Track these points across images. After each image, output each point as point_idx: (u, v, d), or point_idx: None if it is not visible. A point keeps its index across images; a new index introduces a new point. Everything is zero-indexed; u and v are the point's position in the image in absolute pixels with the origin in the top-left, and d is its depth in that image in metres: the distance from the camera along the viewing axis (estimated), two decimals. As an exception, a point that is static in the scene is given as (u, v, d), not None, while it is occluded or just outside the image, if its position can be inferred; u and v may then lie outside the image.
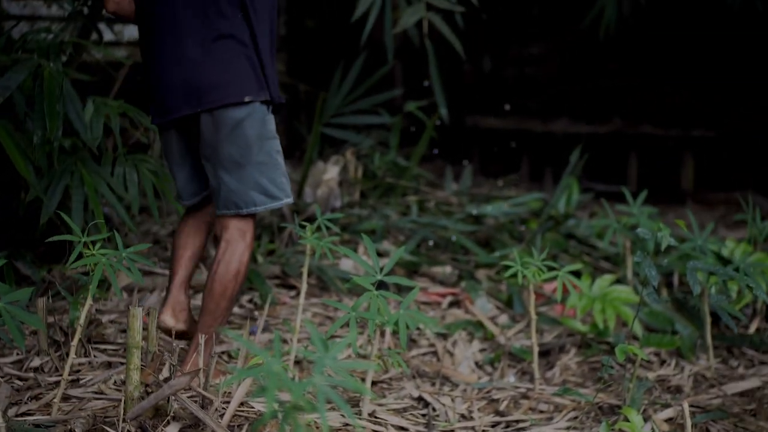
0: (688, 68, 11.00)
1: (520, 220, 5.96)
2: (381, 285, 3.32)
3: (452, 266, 5.31)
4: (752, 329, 4.70)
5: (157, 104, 3.57)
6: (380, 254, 5.33)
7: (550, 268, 3.79)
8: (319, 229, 3.69)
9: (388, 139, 6.53)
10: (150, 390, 3.15)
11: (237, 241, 3.54)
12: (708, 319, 4.03)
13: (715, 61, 10.76)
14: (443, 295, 4.90)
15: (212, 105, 3.44)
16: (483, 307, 4.73)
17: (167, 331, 3.61)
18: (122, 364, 3.60)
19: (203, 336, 3.34)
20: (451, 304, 4.88)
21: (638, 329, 4.28)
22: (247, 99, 3.46)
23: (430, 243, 5.56)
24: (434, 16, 5.05)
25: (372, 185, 6.06)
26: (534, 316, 3.72)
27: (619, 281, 4.90)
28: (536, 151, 11.33)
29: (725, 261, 4.24)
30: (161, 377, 3.35)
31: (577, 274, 4.92)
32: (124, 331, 4.04)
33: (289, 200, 3.60)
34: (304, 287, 3.59)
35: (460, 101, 13.35)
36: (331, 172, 5.84)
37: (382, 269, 3.34)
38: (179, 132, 3.65)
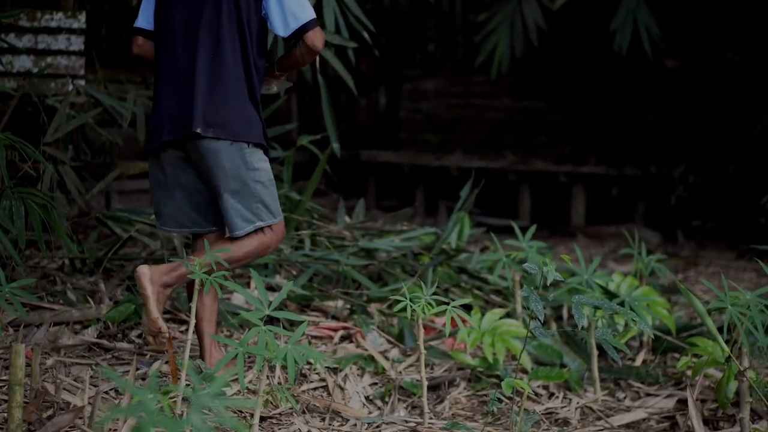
0: (579, 107, 11.21)
1: (413, 254, 5.98)
2: (272, 320, 3.31)
3: (344, 300, 5.31)
4: (638, 362, 4.78)
5: (155, 132, 3.99)
6: (272, 289, 5.31)
7: (440, 303, 3.81)
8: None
9: (282, 173, 6.51)
10: (33, 428, 3.08)
11: (245, 245, 3.96)
12: (595, 353, 4.09)
13: (607, 99, 10.98)
14: (335, 330, 4.89)
15: (205, 134, 3.86)
16: (374, 342, 4.73)
17: (139, 281, 3.83)
18: (5, 401, 3.52)
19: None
20: (343, 339, 4.87)
21: (527, 362, 4.33)
22: (222, 135, 3.88)
23: (322, 276, 5.55)
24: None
25: (265, 219, 6.03)
26: (423, 351, 3.73)
27: (509, 315, 4.95)
28: (431, 185, 11.43)
29: (611, 295, 4.32)
30: (44, 415, 3.29)
31: (467, 308, 4.96)
32: (7, 367, 3.95)
33: (279, 219, 4.03)
34: (192, 322, 3.57)
35: (355, 136, 13.40)
36: (223, 205, 5.80)
37: (270, 304, 3.33)
38: (175, 159, 4.02)
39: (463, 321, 3.85)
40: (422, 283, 4.64)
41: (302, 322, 3.38)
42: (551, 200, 11.18)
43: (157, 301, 3.85)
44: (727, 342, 3.85)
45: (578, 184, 10.35)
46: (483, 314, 4.61)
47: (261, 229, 3.99)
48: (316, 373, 4.32)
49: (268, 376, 3.95)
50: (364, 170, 12.31)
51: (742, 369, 3.67)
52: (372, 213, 10.49)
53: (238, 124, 3.92)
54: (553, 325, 5.00)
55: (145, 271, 3.84)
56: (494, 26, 8.41)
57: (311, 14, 3.99)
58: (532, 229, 4.85)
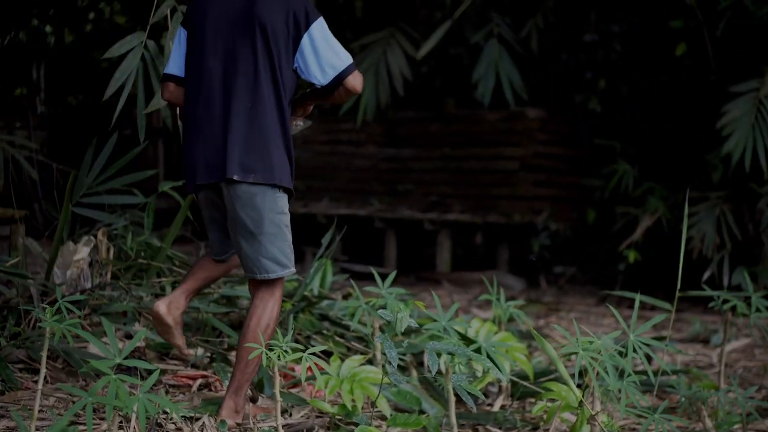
0: (445, 155, 11.35)
1: (275, 302, 5.94)
2: (127, 369, 3.25)
3: (204, 348, 5.25)
4: (497, 407, 4.83)
5: (189, 177, 4.21)
6: (131, 337, 5.22)
7: (297, 350, 3.79)
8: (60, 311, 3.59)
9: (143, 219, 6.43)
10: None
11: (266, 300, 4.16)
12: (452, 399, 4.11)
13: (472, 147, 11.14)
14: (193, 378, 4.84)
15: (242, 179, 4.06)
16: (234, 390, 4.67)
17: (156, 317, 4.24)
18: None
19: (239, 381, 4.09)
20: (202, 387, 4.81)
21: (386, 409, 4.33)
22: (258, 180, 4.06)
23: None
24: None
25: (124, 266, 5.94)
26: (279, 398, 3.71)
27: (369, 362, 4.95)
28: (298, 232, 11.41)
29: (469, 341, 4.35)
30: None
31: (329, 354, 4.94)
32: None
33: (292, 270, 4.22)
34: (42, 371, 3.49)
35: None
36: (81, 252, 5.69)
37: (122, 351, 3.27)
38: (208, 200, 4.27)
39: (319, 368, 3.83)
40: (283, 330, 4.62)
41: (154, 370, 3.33)
42: (417, 247, 11.28)
43: (177, 327, 4.38)
44: (580, 386, 3.91)
45: (444, 232, 10.46)
46: (343, 361, 4.60)
47: (276, 282, 4.22)
48: (173, 423, 4.25)
49: (122, 427, 3.87)
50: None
51: (593, 413, 3.73)
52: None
53: (274, 169, 4.09)
54: (414, 372, 5.02)
55: (162, 308, 4.32)
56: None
57: (348, 59, 4.14)
58: (392, 275, 4.87)
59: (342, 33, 13.63)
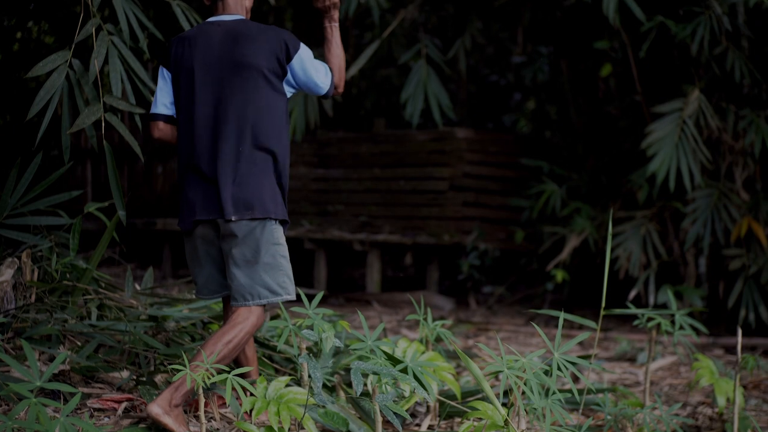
0: (375, 176, 11.37)
1: (202, 323, 5.91)
2: (51, 392, 3.20)
3: (130, 371, 5.19)
4: (424, 426, 4.83)
5: (186, 212, 4.42)
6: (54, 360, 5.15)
7: (222, 371, 3.77)
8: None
9: (68, 241, 6.36)
10: None
11: (241, 321, 4.31)
12: (379, 419, 4.10)
13: (401, 168, 11.17)
14: (118, 401, 4.77)
15: (228, 216, 4.28)
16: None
17: (157, 420, 4.05)
18: None
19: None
20: (127, 410, 4.75)
21: (313, 430, 4.31)
22: (258, 215, 4.30)
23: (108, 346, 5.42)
24: (112, 117, 4.99)
25: (49, 288, 5.86)
26: (204, 421, 3.68)
27: (298, 383, 4.93)
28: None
29: (396, 361, 4.35)
30: None
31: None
32: None
33: (290, 297, 4.43)
34: None
35: (153, 203, 13.23)
36: (4, 274, 5.61)
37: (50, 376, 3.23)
38: (205, 235, 4.45)
39: (243, 389, 3.81)
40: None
41: (85, 394, 3.28)
42: (347, 268, 11.28)
43: (178, 424, 4.05)
44: (506, 405, 3.93)
45: (373, 252, 10.46)
46: (270, 382, 4.58)
47: (256, 309, 4.40)
48: (97, 447, 4.19)
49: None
50: (161, 238, 12.15)
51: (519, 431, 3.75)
52: (168, 282, 10.34)
53: (267, 204, 4.34)
54: (342, 393, 5.01)
55: (158, 411, 4.04)
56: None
57: (328, 72, 4.53)
58: (319, 296, 4.85)
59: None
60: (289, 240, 10.85)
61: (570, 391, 4.56)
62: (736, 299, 8.65)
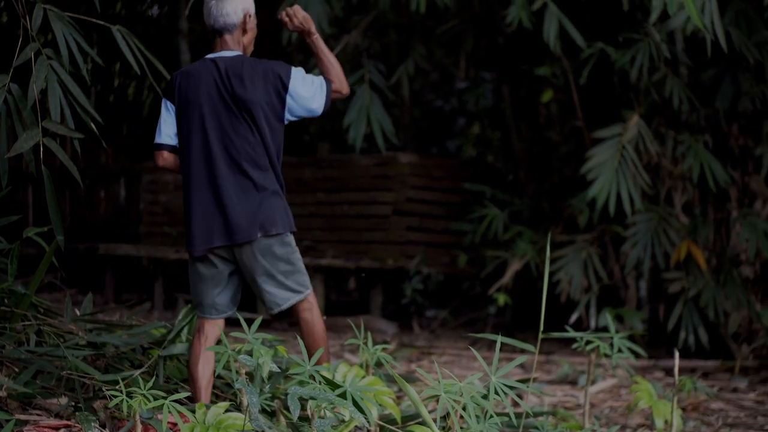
0: (318, 200, 11.38)
1: (142, 349, 5.87)
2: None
3: (68, 397, 5.14)
4: (365, 451, 4.83)
5: (199, 238, 4.79)
6: (-9, 386, 5.09)
7: (160, 397, 3.75)
8: None
9: (6, 265, 6.30)
10: None
11: (306, 317, 5.03)
12: (318, 444, 4.10)
13: (345, 191, 11.19)
14: (55, 428, 4.73)
15: (248, 238, 4.72)
16: (97, 439, 4.60)
17: None
18: None
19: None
20: (65, 437, 4.71)
21: (252, 455, 4.30)
22: (273, 232, 4.76)
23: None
24: (51, 142, 4.96)
25: (-14, 314, 5.80)
26: (141, 447, 3.66)
27: (238, 408, 4.91)
28: (170, 278, 11.30)
29: (335, 385, 4.35)
30: None
31: (194, 400, 4.88)
32: None
33: (309, 290, 4.99)
34: None
35: (97, 228, 13.13)
36: (-59, 300, 5.55)
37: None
38: (220, 259, 4.86)
39: (181, 415, 3.80)
40: (152, 377, 4.55)
41: (11, 420, 3.26)
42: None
43: None
44: (444, 429, 3.94)
45: (317, 276, 10.44)
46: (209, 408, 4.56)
47: (308, 299, 5.00)
48: (33, 474, 4.15)
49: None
50: (103, 263, 12.07)
51: (457, 455, 3.76)
52: (110, 307, 10.26)
53: (280, 218, 4.80)
54: (282, 418, 4.99)
55: None
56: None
57: (323, 84, 4.80)
58: (258, 320, 4.85)
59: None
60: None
61: (509, 414, 4.58)
62: (676, 322, 8.75)
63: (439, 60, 12.24)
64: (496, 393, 3.74)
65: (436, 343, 9.37)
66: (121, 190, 13.62)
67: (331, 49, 8.44)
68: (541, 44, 8.33)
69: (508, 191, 10.41)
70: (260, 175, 4.75)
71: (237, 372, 4.90)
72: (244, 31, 4.88)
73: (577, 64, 8.69)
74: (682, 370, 8.18)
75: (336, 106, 12.83)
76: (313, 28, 5.00)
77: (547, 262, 4.24)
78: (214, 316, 5.00)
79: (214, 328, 5.01)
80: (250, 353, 4.32)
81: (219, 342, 4.97)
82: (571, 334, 5.00)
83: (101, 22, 5.37)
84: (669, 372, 8.12)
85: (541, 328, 4.43)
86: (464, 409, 3.61)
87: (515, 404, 6.20)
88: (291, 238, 4.90)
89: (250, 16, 4.88)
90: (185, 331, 6.06)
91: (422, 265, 10.33)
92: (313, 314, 5.03)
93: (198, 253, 4.85)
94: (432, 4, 7.93)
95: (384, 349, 6.36)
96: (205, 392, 4.88)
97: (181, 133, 4.84)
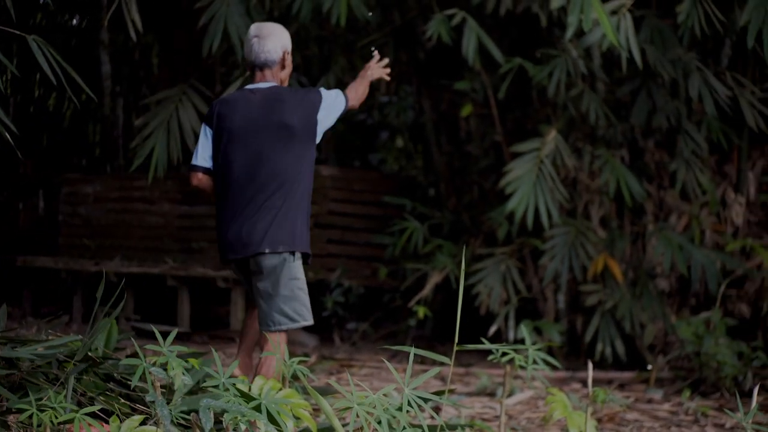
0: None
1: (58, 363, 5.80)
2: None
3: (-21, 413, 5.07)
4: (281, 464, 4.83)
5: (223, 250, 5.37)
6: None
7: (72, 411, 3.72)
8: None
9: None
10: None
11: (273, 352, 5.02)
12: (233, 456, 4.09)
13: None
14: (-34, 443, 4.67)
15: (255, 252, 5.14)
16: (9, 454, 4.55)
17: None
18: None
19: None
20: (-24, 452, 4.65)
21: (165, 469, 4.27)
22: (280, 249, 5.14)
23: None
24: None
25: None
26: (52, 461, 3.62)
27: (156, 422, 4.88)
28: (89, 291, 11.18)
29: (250, 398, 4.35)
30: None
31: (111, 414, 4.84)
32: None
33: (307, 323, 5.27)
34: None
35: (16, 240, 12.96)
36: None
37: None
38: (238, 270, 5.40)
39: (91, 427, 3.77)
40: (60, 390, 4.51)
41: None
42: (212, 305, 11.20)
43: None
44: (359, 441, 3.95)
45: (237, 289, 10.40)
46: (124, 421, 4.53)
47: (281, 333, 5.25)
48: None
49: None
50: (21, 276, 11.91)
51: (371, 467, 3.77)
52: (28, 320, 10.13)
53: (292, 239, 5.17)
54: (198, 431, 4.97)
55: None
56: (150, 131, 8.41)
57: (341, 95, 5.35)
58: (173, 333, 4.83)
59: (138, 89, 13.55)
60: (151, 277, 10.74)
61: (425, 426, 4.60)
62: (593, 334, 8.87)
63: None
64: (412, 405, 3.76)
65: (357, 355, 9.39)
66: (40, 202, 13.47)
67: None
68: (460, 59, 8.41)
69: (428, 204, 10.47)
70: (286, 196, 5.16)
71: (152, 384, 4.88)
72: (283, 67, 5.31)
73: (496, 78, 8.78)
74: (599, 382, 8.30)
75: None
76: (367, 73, 5.64)
77: (462, 274, 4.27)
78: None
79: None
80: (165, 366, 4.30)
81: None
82: (487, 346, 5.04)
83: (17, 32, 5.32)
84: (586, 383, 8.21)
85: (456, 340, 4.46)
86: (378, 421, 3.63)
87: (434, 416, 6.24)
88: (297, 264, 5.25)
89: (288, 53, 5.32)
90: (101, 343, 6.02)
91: (343, 277, 10.34)
92: (279, 352, 5.18)
93: (224, 262, 5.48)
94: (353, 18, 7.96)
95: (303, 362, 6.38)
96: (244, 354, 5.56)
97: (217, 155, 5.25)
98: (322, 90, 5.34)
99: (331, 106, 5.32)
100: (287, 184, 5.17)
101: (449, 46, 8.55)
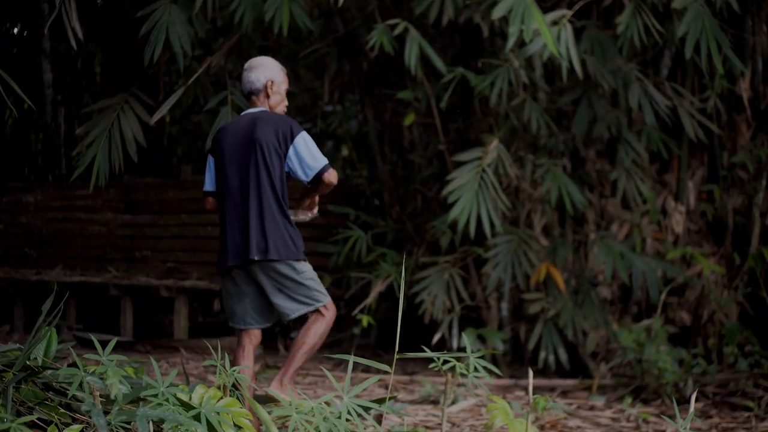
0: (182, 220, 11.29)
1: (-4, 373, 5.74)
2: None
3: None
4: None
5: (222, 260, 5.72)
6: None
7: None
8: None
9: None
10: None
11: (315, 323, 5.67)
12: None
13: (209, 213, 11.11)
14: None
15: (254, 258, 5.55)
16: (-55, 466, 4.48)
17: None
18: None
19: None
20: None
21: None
22: (274, 257, 5.55)
23: None
24: None
25: None
26: (-13, 472, 3.58)
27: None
28: (30, 300, 11.07)
29: (189, 407, 4.33)
30: None
31: (47, 423, 4.80)
32: None
33: (325, 301, 5.70)
34: None
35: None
36: None
37: None
38: (241, 277, 5.70)
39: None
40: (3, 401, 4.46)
41: None
42: (155, 314, 11.13)
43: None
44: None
45: (181, 298, 10.36)
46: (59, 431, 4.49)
47: (318, 310, 5.66)
48: None
49: None
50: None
51: (310, 475, 3.77)
52: (-34, 331, 10.00)
53: (283, 246, 5.57)
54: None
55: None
56: (92, 139, 8.33)
57: (323, 161, 5.63)
58: (113, 342, 4.80)
59: (81, 97, 13.45)
60: (94, 286, 10.64)
61: (366, 434, 4.61)
62: (536, 342, 8.92)
63: (308, 83, 12.28)
64: (352, 414, 3.76)
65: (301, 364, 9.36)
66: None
67: (195, 71, 8.45)
68: (403, 69, 8.43)
69: (372, 213, 10.48)
70: (269, 205, 5.59)
71: (92, 394, 4.84)
72: (267, 95, 5.82)
73: (439, 88, 8.81)
74: (541, 389, 8.35)
75: (201, 127, 12.79)
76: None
77: (403, 283, 4.29)
78: (242, 326, 5.77)
79: (249, 338, 5.80)
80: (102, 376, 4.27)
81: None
82: (429, 354, 5.06)
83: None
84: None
85: (397, 348, 4.47)
86: (317, 430, 3.63)
87: (378, 424, 6.23)
88: (300, 263, 5.65)
89: (272, 83, 5.82)
90: (40, 352, 5.96)
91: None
92: (316, 323, 5.67)
93: (221, 271, 5.76)
94: (295, 27, 7.94)
95: (245, 371, 6.33)
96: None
97: (217, 177, 5.81)
98: (304, 133, 5.70)
99: (305, 154, 5.66)
100: (267, 196, 5.60)
101: (392, 56, 8.58)
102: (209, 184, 5.93)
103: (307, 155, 5.65)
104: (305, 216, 5.94)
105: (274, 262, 5.59)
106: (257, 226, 5.60)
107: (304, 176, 5.67)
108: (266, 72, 5.89)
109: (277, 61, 6.01)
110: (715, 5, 7.65)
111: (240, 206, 5.68)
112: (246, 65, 5.97)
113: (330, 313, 5.75)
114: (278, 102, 5.91)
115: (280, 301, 5.67)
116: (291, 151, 5.65)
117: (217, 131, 6.01)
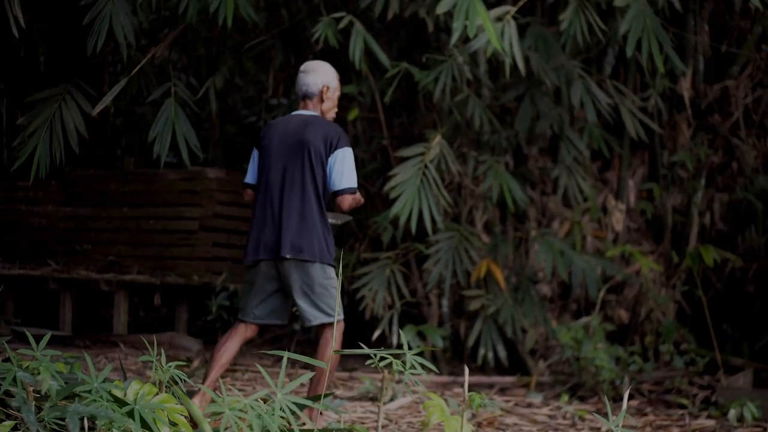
0: (124, 215, 11.21)
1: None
2: None
3: None
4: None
5: (250, 252, 5.91)
6: None
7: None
8: None
9: None
10: None
11: (326, 343, 5.80)
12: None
13: (151, 206, 11.04)
14: None
15: (286, 256, 5.76)
16: None
17: None
18: None
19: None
20: None
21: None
22: (308, 258, 5.76)
23: None
24: None
25: None
26: None
27: (27, 428, 4.79)
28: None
29: (123, 403, 4.30)
30: None
31: (-20, 421, 4.75)
32: None
33: (341, 317, 5.87)
34: None
35: None
36: None
37: None
38: (268, 272, 5.89)
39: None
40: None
41: None
42: (96, 309, 11.04)
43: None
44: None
45: (121, 292, 10.26)
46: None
47: (331, 325, 5.75)
48: None
49: None
50: None
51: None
52: None
53: (319, 248, 5.78)
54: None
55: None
56: (33, 130, 8.23)
57: (348, 184, 5.87)
58: (47, 336, 4.75)
59: (24, 86, 13.28)
60: (32, 279, 10.53)
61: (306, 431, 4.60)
62: (476, 338, 8.95)
63: (255, 75, 12.22)
64: (287, 410, 3.74)
65: (241, 360, 9.33)
66: None
67: (139, 62, 8.38)
68: (348, 62, 8.42)
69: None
70: (310, 206, 5.81)
71: (24, 390, 4.79)
72: (322, 100, 6.02)
73: (383, 83, 8.81)
74: (480, 386, 8.38)
75: (145, 118, 12.68)
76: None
77: (340, 279, 4.29)
78: (249, 320, 5.97)
79: (245, 330, 6.01)
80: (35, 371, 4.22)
81: (250, 341, 6.60)
82: (366, 351, 5.06)
83: None
84: (468, 388, 8.28)
85: (333, 345, 4.48)
86: (250, 426, 3.62)
87: (312, 420, 6.22)
88: (328, 267, 5.84)
89: (328, 88, 6.01)
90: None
91: (229, 281, 10.27)
92: (328, 344, 5.78)
93: (247, 262, 5.92)
94: (240, 19, 7.90)
95: (185, 367, 6.32)
96: (215, 373, 5.90)
97: (259, 171, 5.98)
98: (348, 148, 5.94)
99: (339, 167, 5.88)
100: (309, 197, 5.82)
101: (337, 50, 8.56)
102: (251, 177, 6.10)
103: (338, 170, 5.86)
104: (337, 220, 6.11)
105: (307, 262, 5.77)
106: (294, 225, 5.78)
107: (332, 186, 5.88)
108: (323, 77, 6.06)
109: (332, 67, 6.17)
110: (657, 4, 7.72)
111: (277, 203, 5.85)
112: (303, 67, 6.15)
113: (341, 329, 5.93)
114: (330, 108, 6.11)
115: (304, 305, 5.84)
116: (332, 159, 5.86)
117: (266, 126, 6.18)
